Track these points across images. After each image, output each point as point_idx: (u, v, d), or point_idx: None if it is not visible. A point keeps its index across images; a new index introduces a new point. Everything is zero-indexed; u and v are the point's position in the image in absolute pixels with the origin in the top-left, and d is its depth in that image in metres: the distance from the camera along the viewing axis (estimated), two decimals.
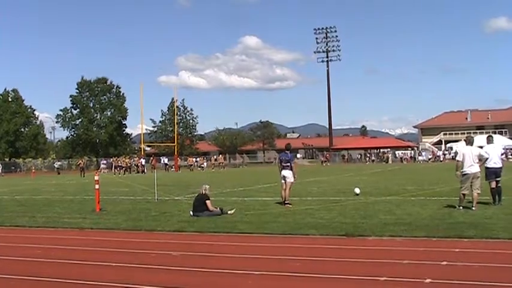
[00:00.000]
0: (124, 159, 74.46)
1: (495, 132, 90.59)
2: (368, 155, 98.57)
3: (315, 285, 7.55)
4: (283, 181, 18.02)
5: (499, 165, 16.05)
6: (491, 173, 15.77)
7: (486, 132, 77.01)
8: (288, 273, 8.10)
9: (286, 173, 17.99)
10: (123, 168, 66.18)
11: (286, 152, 18.50)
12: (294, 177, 18.19)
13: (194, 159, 79.53)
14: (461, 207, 14.87)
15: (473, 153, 15.15)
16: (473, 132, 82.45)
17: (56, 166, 79.92)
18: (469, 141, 15.87)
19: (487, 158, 15.53)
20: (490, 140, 16.68)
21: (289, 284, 7.60)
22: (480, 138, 23.47)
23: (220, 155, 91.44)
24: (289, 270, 8.25)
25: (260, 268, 8.50)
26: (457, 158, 15.93)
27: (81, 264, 9.36)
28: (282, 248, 10.46)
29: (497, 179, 15.86)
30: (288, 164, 18.10)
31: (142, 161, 69.80)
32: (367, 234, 11.37)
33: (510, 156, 78.61)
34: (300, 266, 8.66)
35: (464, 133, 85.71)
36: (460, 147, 21.59)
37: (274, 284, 7.67)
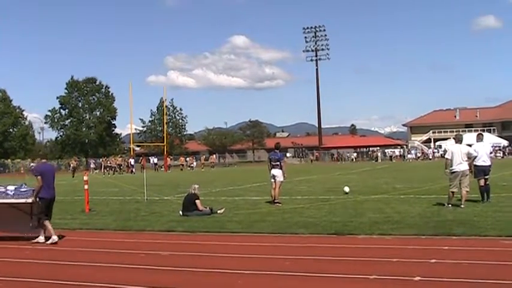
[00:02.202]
0: (114, 159, 74.23)
1: (484, 130, 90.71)
2: (351, 155, 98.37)
3: (304, 284, 7.56)
4: (272, 180, 18.06)
5: (488, 163, 16.12)
6: (479, 171, 15.83)
7: (475, 131, 77.35)
8: (277, 272, 8.11)
9: (276, 172, 18.00)
10: (113, 169, 65.94)
11: (276, 151, 18.54)
12: (284, 177, 18.21)
13: (184, 159, 79.34)
14: (450, 205, 14.92)
15: (462, 152, 15.21)
16: (462, 131, 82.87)
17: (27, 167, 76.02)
18: (458, 140, 15.94)
19: (476, 156, 15.59)
20: (479, 138, 16.75)
21: (279, 283, 7.61)
22: (469, 136, 23.60)
23: (214, 155, 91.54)
24: (278, 269, 8.26)
25: (250, 267, 8.51)
26: (446, 156, 16.00)
27: (71, 265, 9.34)
28: (271, 247, 10.48)
29: (486, 176, 15.94)
30: (278, 163, 18.13)
31: (132, 161, 69.48)
32: (356, 233, 11.40)
33: (498, 154, 79.05)
34: (289, 264, 8.67)
35: (453, 131, 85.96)
36: (449, 145, 21.70)
37: (264, 283, 7.68)
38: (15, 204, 11.93)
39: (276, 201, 17.64)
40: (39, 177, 11.60)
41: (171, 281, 7.96)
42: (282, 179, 18.02)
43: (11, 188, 12.05)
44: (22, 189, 11.98)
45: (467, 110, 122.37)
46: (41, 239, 11.58)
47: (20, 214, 12.00)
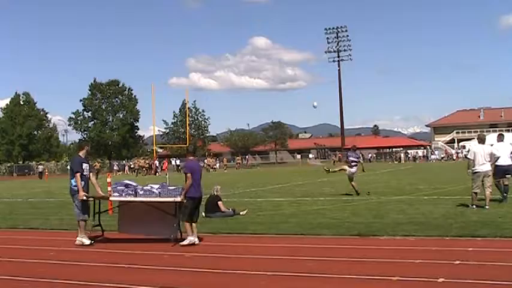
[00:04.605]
0: (137, 161, 74.95)
1: (508, 130, 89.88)
2: (370, 156, 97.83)
3: (327, 285, 7.55)
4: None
5: (509, 162, 16.00)
6: (500, 171, 15.68)
7: (499, 131, 76.44)
8: (300, 273, 8.11)
9: (355, 170, 21.02)
10: (136, 170, 66.61)
11: (356, 151, 21.82)
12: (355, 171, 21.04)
13: (211, 160, 79.63)
14: (474, 206, 14.79)
15: (485, 152, 15.08)
16: (486, 131, 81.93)
17: (39, 170, 73.36)
18: (481, 140, 15.81)
19: (499, 157, 15.47)
20: (500, 138, 16.66)
21: (302, 284, 7.61)
22: (493, 137, 23.34)
23: (239, 156, 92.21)
24: (301, 271, 8.25)
25: (273, 269, 8.51)
26: (468, 157, 15.85)
27: (94, 266, 9.43)
28: (294, 248, 10.46)
29: (508, 175, 15.86)
30: (356, 162, 21.20)
31: (156, 162, 70.44)
32: (379, 234, 11.35)
33: None
34: (312, 266, 8.66)
35: (477, 131, 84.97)
36: (472, 145, 21.54)
37: (286, 284, 7.68)
38: (159, 204, 11.44)
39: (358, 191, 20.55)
40: (189, 174, 11.09)
41: (194, 282, 8.00)
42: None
43: (155, 186, 11.66)
44: (170, 188, 11.57)
45: (491, 109, 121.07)
46: (194, 239, 11.04)
47: (162, 215, 11.43)
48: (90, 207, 11.94)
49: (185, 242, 10.97)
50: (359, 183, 21.57)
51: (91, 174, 12.19)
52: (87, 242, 11.62)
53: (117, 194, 11.73)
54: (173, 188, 11.56)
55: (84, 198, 11.54)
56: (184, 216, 11.09)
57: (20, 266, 9.77)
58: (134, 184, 11.85)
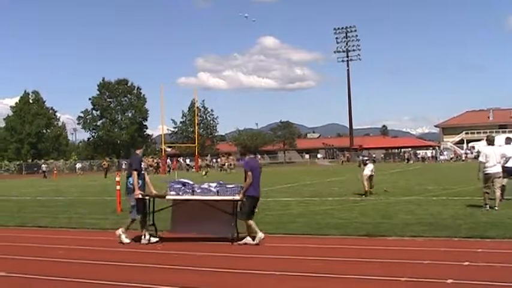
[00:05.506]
0: (146, 160, 75.05)
1: None
2: (374, 156, 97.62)
3: (334, 285, 7.54)
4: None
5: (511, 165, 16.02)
6: (504, 173, 15.64)
7: (509, 131, 76.36)
8: (308, 273, 8.09)
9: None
10: (145, 169, 66.68)
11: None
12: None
13: (225, 159, 79.10)
14: (487, 206, 14.68)
15: (496, 153, 15.00)
16: (496, 131, 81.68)
17: (43, 169, 71.93)
18: (490, 141, 15.74)
19: (510, 157, 15.46)
20: (508, 141, 16.78)
21: (310, 284, 7.60)
22: (500, 138, 23.31)
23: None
24: (309, 271, 8.23)
25: (281, 268, 8.50)
26: (480, 159, 15.70)
27: (103, 265, 9.43)
28: (302, 248, 10.44)
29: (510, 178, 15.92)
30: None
31: (169, 161, 70.99)
32: (387, 235, 11.31)
33: None
34: (320, 266, 8.64)
35: (486, 132, 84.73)
36: (481, 147, 21.50)
37: (294, 284, 7.66)
38: (215, 202, 11.23)
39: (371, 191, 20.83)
40: (249, 173, 10.87)
41: (203, 282, 7.98)
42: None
43: (213, 184, 11.45)
44: (228, 186, 11.31)
45: (501, 110, 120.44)
46: (261, 235, 10.76)
47: (217, 213, 11.23)
48: (146, 206, 11.74)
49: (258, 239, 10.75)
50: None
51: (145, 173, 12.16)
52: (126, 240, 11.53)
53: (174, 193, 11.52)
54: (232, 186, 11.33)
55: (140, 196, 11.46)
56: (243, 215, 10.92)
57: (28, 264, 9.78)
58: (191, 182, 11.68)
